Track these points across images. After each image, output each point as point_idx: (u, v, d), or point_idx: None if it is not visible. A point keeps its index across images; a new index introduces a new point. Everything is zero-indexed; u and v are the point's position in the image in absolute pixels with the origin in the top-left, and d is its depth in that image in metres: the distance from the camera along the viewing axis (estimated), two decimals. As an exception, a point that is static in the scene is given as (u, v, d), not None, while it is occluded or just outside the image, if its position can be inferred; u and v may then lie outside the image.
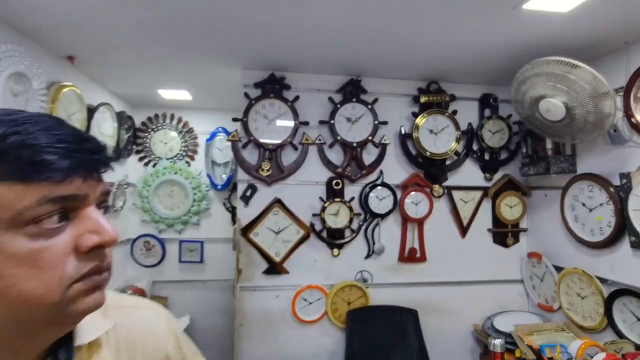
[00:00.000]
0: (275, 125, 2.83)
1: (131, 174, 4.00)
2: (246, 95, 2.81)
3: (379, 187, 2.93)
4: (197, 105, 3.99)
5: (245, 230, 2.79)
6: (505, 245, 3.13)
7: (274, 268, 2.83)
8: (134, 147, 3.95)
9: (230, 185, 4.11)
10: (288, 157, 2.88)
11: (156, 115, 4.07)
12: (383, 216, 2.93)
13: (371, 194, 2.91)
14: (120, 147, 3.60)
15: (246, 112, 2.80)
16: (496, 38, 2.28)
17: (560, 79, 2.12)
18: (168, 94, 3.60)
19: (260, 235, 2.81)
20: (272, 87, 2.84)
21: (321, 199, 2.86)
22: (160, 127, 4.09)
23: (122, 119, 3.58)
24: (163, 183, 4.01)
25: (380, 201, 2.93)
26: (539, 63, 2.18)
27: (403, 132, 2.98)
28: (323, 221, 2.83)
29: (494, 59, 2.61)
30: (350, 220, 2.86)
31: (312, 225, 2.87)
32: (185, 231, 4.11)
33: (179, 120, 4.11)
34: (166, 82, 3.33)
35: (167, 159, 4.08)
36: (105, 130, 3.27)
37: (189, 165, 4.13)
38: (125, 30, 2.26)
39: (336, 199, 2.84)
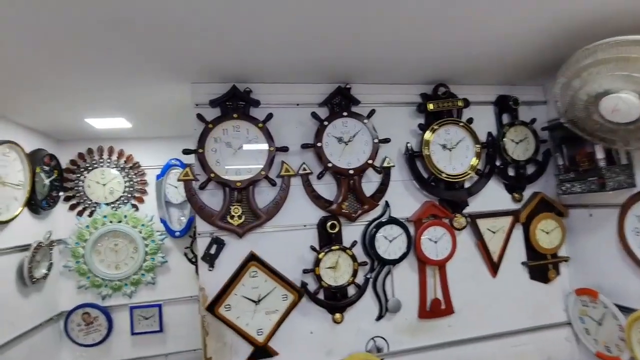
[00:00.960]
0: (243, 154, 2.09)
1: (60, 228, 3.11)
2: (200, 117, 2.06)
3: (386, 225, 2.23)
4: (140, 134, 3.18)
5: (213, 305, 2.00)
6: (546, 280, 2.51)
7: (258, 352, 2.04)
8: (61, 193, 3.07)
9: (192, 229, 3.30)
10: (264, 196, 2.14)
11: (89, 151, 3.22)
12: (395, 262, 2.23)
13: (378, 235, 2.20)
14: (38, 196, 2.72)
15: (202, 141, 2.04)
16: (522, 20, 1.67)
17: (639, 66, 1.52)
18: (100, 122, 2.79)
19: (235, 309, 2.02)
20: (235, 104, 2.11)
21: (313, 248, 2.12)
22: (95, 165, 3.23)
23: (37, 159, 2.72)
24: (104, 235, 3.14)
25: (390, 243, 2.23)
26: (604, 45, 1.58)
27: (410, 150, 2.31)
28: (318, 279, 2.10)
29: (516, 50, 2.01)
30: (354, 274, 2.13)
31: (303, 285, 2.12)
32: (137, 294, 3.24)
33: (120, 153, 3.28)
34: (95, 109, 2.53)
35: (108, 204, 3.22)
36: (7, 178, 2.40)
37: (137, 209, 3.28)
38: (21, 47, 1.48)
39: (333, 247, 2.12)
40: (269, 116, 2.13)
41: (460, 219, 2.37)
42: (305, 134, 2.24)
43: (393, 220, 2.25)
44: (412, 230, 2.30)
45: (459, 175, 2.33)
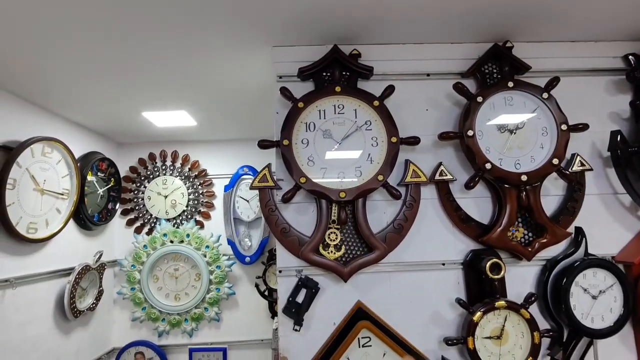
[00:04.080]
0: (348, 148, 1.34)
1: (115, 247, 2.63)
2: (284, 93, 1.37)
3: (586, 270, 1.32)
4: (207, 135, 2.63)
5: (300, 389, 1.24)
6: None
7: None
8: (118, 205, 2.58)
9: (265, 254, 2.63)
10: (378, 214, 1.37)
11: (151, 156, 2.73)
12: (603, 335, 1.30)
13: (573, 285, 1.30)
14: (88, 208, 2.23)
15: (287, 128, 1.34)
16: None
17: None
18: (160, 118, 2.25)
19: (334, 398, 1.24)
20: (337, 74, 1.39)
21: (461, 303, 1.28)
22: (157, 173, 2.73)
23: (89, 164, 2.24)
24: (163, 258, 2.59)
25: (594, 300, 1.31)
26: None
27: (619, 144, 1.39)
28: (472, 355, 1.24)
29: None
30: (534, 350, 1.25)
31: (446, 365, 1.28)
32: (199, 332, 2.62)
33: (185, 159, 2.74)
34: (152, 98, 1.98)
35: (169, 219, 2.68)
36: (48, 185, 1.92)
37: (202, 227, 2.70)
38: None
39: (497, 304, 1.26)
40: (389, 89, 1.36)
41: None
42: (440, 120, 1.44)
43: (597, 262, 1.33)
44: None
45: None
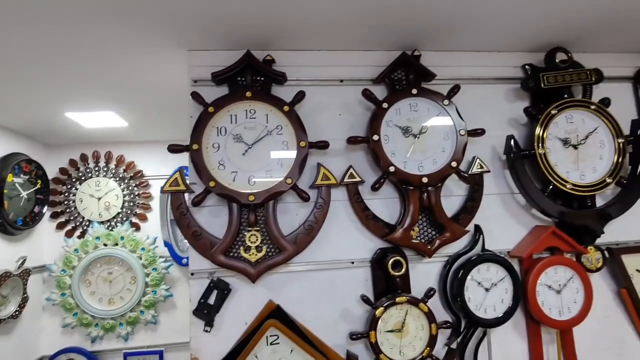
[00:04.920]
0: (259, 153, 1.37)
1: (44, 251, 2.53)
2: (195, 97, 1.38)
3: (480, 264, 1.42)
4: (141, 136, 2.58)
5: (208, 389, 1.27)
6: None
7: None
8: (45, 208, 2.48)
9: (204, 255, 2.62)
10: (290, 216, 1.41)
11: (83, 157, 2.64)
12: (495, 324, 1.41)
13: (469, 279, 1.40)
14: (9, 212, 2.14)
15: (197, 132, 1.35)
16: None
17: None
18: (86, 119, 2.19)
19: (242, 396, 1.28)
20: (250, 79, 1.41)
21: (366, 299, 1.35)
22: (90, 174, 2.65)
23: (9, 165, 2.15)
24: (95, 262, 2.52)
25: (487, 293, 1.42)
26: None
27: (514, 147, 1.50)
28: (375, 348, 1.31)
29: None
30: (432, 341, 1.34)
31: (350, 358, 1.34)
32: (135, 336, 2.58)
33: (119, 160, 2.67)
34: (75, 99, 1.92)
35: (103, 222, 2.61)
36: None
37: (138, 229, 2.65)
38: None
39: (398, 298, 1.33)
40: (300, 95, 1.41)
41: (595, 255, 1.53)
42: (353, 124, 1.51)
43: (490, 257, 1.44)
44: (518, 271, 1.48)
45: (592, 185, 1.50)
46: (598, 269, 1.53)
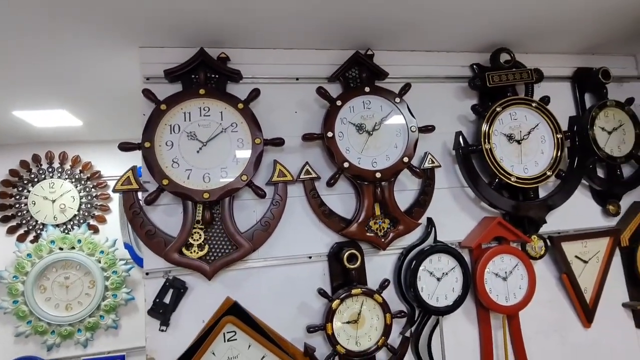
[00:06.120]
0: (214, 150, 1.37)
1: (-7, 257, 2.41)
2: (147, 95, 1.36)
3: (432, 255, 1.49)
4: (98, 136, 2.50)
5: (164, 388, 1.26)
6: (655, 329, 1.73)
7: None
8: (-6, 212, 2.37)
9: (166, 256, 2.57)
10: (247, 213, 1.43)
11: (35, 158, 2.53)
12: (446, 311, 1.48)
13: (421, 269, 1.46)
14: (-49, 217, 2.03)
15: (150, 130, 1.34)
16: None
17: None
18: (37, 118, 2.10)
19: (200, 393, 1.28)
20: (204, 76, 1.41)
21: (322, 293, 1.38)
22: (43, 176, 2.54)
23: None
24: (51, 267, 2.43)
25: (438, 282, 1.48)
26: None
27: (462, 143, 1.58)
28: (331, 341, 1.35)
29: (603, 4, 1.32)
30: (387, 331, 1.38)
31: (309, 352, 1.37)
32: (95, 342, 2.50)
33: (75, 161, 2.58)
34: (21, 96, 1.84)
35: (58, 225, 2.51)
36: None
37: (96, 232, 2.57)
38: None
39: (354, 290, 1.37)
40: (255, 93, 1.42)
41: (537, 243, 1.63)
42: (309, 122, 1.53)
43: (441, 248, 1.50)
44: (467, 260, 1.56)
45: (534, 178, 1.60)
46: (541, 256, 1.64)
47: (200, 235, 1.32)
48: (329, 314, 1.35)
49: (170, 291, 1.34)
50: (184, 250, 1.31)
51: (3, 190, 2.44)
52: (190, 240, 1.31)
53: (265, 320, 1.38)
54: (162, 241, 1.33)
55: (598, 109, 1.73)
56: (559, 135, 1.63)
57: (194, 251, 1.31)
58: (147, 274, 1.34)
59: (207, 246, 1.33)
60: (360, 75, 1.55)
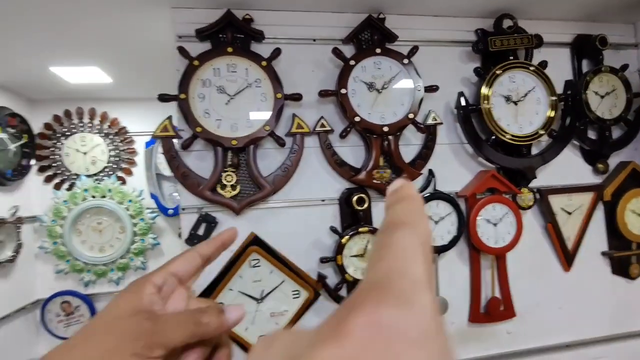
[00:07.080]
0: (240, 103, 1.55)
1: (33, 203, 2.65)
2: (182, 52, 1.52)
3: (431, 201, 1.68)
4: (125, 93, 2.67)
5: (200, 303, 1.50)
6: (629, 275, 1.94)
7: (259, 365, 1.55)
8: (33, 162, 2.60)
9: (188, 207, 2.81)
10: (269, 160, 1.62)
11: (67, 113, 2.73)
12: (442, 250, 1.69)
13: (420, 215, 1.65)
14: (0, 163, 2.25)
15: (185, 83, 1.51)
16: None
17: None
18: (71, 74, 2.28)
19: (229, 309, 1.52)
20: (231, 36, 1.56)
21: (334, 230, 1.59)
22: (74, 130, 2.75)
23: (-3, 118, 2.24)
24: (85, 212, 2.68)
25: (435, 225, 1.68)
26: None
27: (463, 103, 1.73)
28: (341, 270, 1.57)
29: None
30: (388, 264, 1.60)
31: (321, 279, 1.60)
32: (126, 280, 2.78)
33: (103, 117, 2.78)
34: (59, 53, 2.01)
35: (89, 175, 2.74)
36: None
37: (124, 183, 2.80)
38: None
39: (361, 229, 1.58)
40: (276, 52, 1.57)
41: (527, 195, 1.81)
42: (324, 80, 1.69)
43: (439, 195, 1.70)
44: (463, 208, 1.75)
45: (527, 136, 1.76)
46: (529, 207, 1.82)
47: (232, 177, 1.52)
48: (339, 248, 1.57)
49: (203, 225, 1.56)
50: (218, 189, 1.51)
51: (39, 142, 2.66)
52: (224, 182, 1.52)
53: (284, 253, 1.60)
54: (196, 182, 1.53)
55: (592, 74, 1.86)
56: (553, 98, 1.77)
57: (228, 191, 1.52)
58: (183, 209, 1.56)
59: (239, 186, 1.53)
60: (372, 37, 1.69)
